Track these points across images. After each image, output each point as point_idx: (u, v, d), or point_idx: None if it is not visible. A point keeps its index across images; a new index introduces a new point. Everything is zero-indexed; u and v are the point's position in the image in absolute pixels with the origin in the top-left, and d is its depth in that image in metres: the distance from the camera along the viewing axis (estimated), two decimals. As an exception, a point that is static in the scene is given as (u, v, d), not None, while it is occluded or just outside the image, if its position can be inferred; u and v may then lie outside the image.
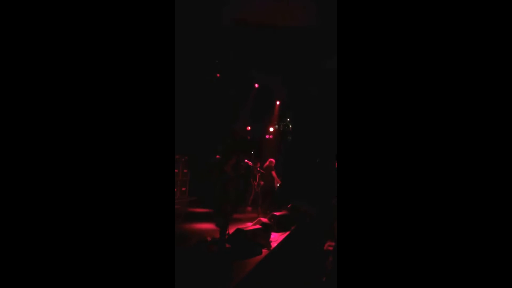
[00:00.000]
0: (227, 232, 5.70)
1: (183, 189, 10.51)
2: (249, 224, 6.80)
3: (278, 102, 11.50)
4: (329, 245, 6.01)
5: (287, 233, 7.38)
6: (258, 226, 6.57)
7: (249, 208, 9.18)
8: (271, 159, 9.12)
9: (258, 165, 6.95)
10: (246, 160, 7.22)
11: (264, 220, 7.15)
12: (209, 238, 6.06)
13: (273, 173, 9.21)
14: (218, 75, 8.38)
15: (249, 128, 10.12)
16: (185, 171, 10.25)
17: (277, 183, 9.28)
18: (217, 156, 5.89)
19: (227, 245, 5.65)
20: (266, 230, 6.51)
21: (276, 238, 6.80)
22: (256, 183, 8.06)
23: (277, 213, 8.03)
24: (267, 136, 11.56)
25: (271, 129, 11.45)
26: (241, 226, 6.32)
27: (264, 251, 5.85)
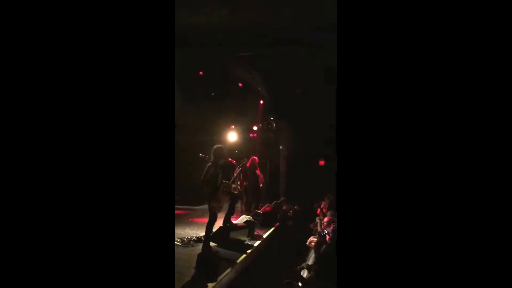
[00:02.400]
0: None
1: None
2: (233, 221, 6.84)
3: (261, 101, 11.55)
4: (311, 241, 6.12)
5: (271, 230, 7.45)
6: (241, 224, 6.63)
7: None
8: (254, 157, 9.15)
9: (244, 161, 6.96)
10: (229, 159, 7.24)
11: (248, 217, 7.20)
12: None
13: (257, 171, 9.24)
14: (201, 73, 8.39)
15: (233, 127, 10.14)
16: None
17: (261, 181, 9.31)
18: (205, 157, 5.87)
19: (211, 243, 5.67)
20: (250, 227, 6.58)
21: (259, 235, 6.86)
22: (239, 182, 8.09)
23: (260, 211, 8.09)
24: (250, 135, 11.61)
25: (255, 128, 11.50)
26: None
27: (248, 248, 5.92)
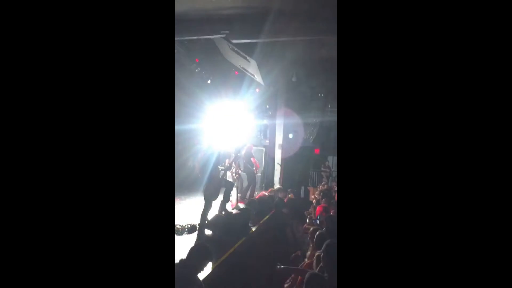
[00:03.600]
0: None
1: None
2: (228, 209, 6.86)
3: (257, 89, 11.50)
4: (306, 228, 6.17)
5: (265, 217, 7.49)
6: (236, 212, 6.65)
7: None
8: (250, 145, 9.14)
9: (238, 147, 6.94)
10: (225, 147, 7.22)
11: (243, 205, 7.23)
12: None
13: (253, 159, 9.25)
14: (197, 60, 8.30)
15: (229, 114, 10.10)
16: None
17: (257, 168, 9.32)
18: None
19: (206, 231, 5.70)
20: (245, 215, 6.60)
21: (254, 222, 6.90)
22: (234, 170, 8.09)
23: (255, 199, 8.13)
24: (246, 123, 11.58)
25: (251, 115, 11.46)
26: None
27: (243, 235, 5.95)
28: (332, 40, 7.20)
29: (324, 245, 3.14)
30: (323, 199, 6.52)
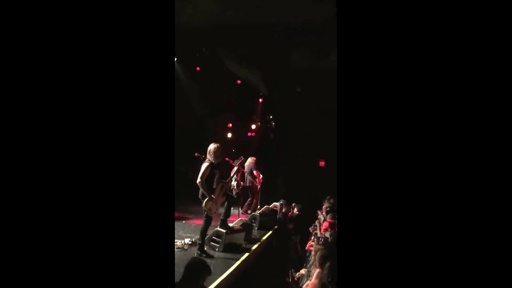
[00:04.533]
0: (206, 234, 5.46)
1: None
2: (229, 224, 6.59)
3: (260, 100, 11.28)
4: (311, 245, 5.88)
5: (269, 233, 7.22)
6: (238, 227, 6.40)
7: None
8: (253, 157, 8.90)
9: (241, 160, 6.65)
10: (227, 159, 6.97)
11: (245, 220, 7.00)
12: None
13: (256, 172, 9.00)
14: (198, 68, 8.10)
15: (231, 125, 9.84)
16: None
17: (259, 182, 9.06)
18: (202, 156, 5.59)
19: (207, 246, 5.43)
20: (247, 230, 6.34)
21: (257, 238, 6.63)
22: (236, 183, 7.82)
23: (257, 213, 7.86)
24: (249, 134, 11.31)
25: (253, 127, 11.18)
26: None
27: (245, 251, 5.68)
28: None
29: (325, 269, 3.10)
30: (329, 215, 6.21)
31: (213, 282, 4.22)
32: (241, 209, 8.54)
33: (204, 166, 5.23)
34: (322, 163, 12.11)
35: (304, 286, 4.50)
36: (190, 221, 7.31)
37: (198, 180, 5.15)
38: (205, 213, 5.27)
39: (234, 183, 7.57)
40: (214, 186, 5.32)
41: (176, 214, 7.54)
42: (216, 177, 5.29)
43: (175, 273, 3.11)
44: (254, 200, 8.89)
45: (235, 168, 6.60)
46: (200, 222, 5.57)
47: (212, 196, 5.23)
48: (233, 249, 5.64)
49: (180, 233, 6.26)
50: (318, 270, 4.03)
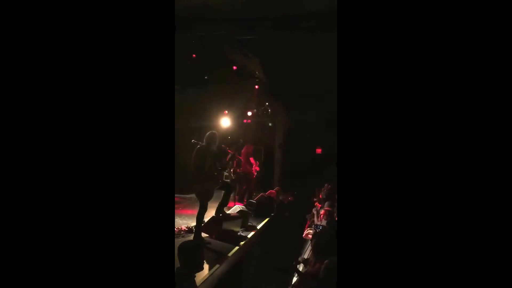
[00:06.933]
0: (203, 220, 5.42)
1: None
2: (225, 211, 6.57)
3: (257, 87, 11.13)
4: (308, 233, 5.87)
5: (265, 220, 7.22)
6: (234, 214, 6.38)
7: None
8: (249, 145, 8.84)
9: (239, 144, 6.60)
10: (223, 146, 6.90)
11: (241, 207, 6.98)
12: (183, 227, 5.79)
13: (251, 159, 8.96)
14: (194, 55, 7.96)
15: (226, 112, 9.71)
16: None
17: (256, 169, 9.03)
18: (198, 143, 5.50)
19: (203, 234, 5.40)
20: (243, 217, 6.32)
21: (254, 225, 6.62)
22: (232, 170, 7.77)
23: (254, 200, 7.85)
24: (244, 121, 11.19)
25: (249, 113, 11.05)
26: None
27: (241, 240, 5.66)
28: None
29: (323, 268, 3.07)
30: (326, 203, 6.20)
31: (210, 269, 4.21)
32: (237, 196, 8.52)
33: (194, 151, 5.19)
34: (318, 150, 12.08)
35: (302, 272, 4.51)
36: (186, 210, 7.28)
37: (191, 165, 5.13)
38: (199, 199, 5.24)
39: (230, 169, 7.53)
40: (207, 172, 5.24)
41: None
42: (209, 163, 5.23)
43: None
44: (251, 187, 8.86)
45: (230, 155, 6.56)
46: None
47: (205, 182, 5.17)
48: (229, 236, 5.61)
49: (176, 220, 6.23)
50: (314, 259, 4.03)
